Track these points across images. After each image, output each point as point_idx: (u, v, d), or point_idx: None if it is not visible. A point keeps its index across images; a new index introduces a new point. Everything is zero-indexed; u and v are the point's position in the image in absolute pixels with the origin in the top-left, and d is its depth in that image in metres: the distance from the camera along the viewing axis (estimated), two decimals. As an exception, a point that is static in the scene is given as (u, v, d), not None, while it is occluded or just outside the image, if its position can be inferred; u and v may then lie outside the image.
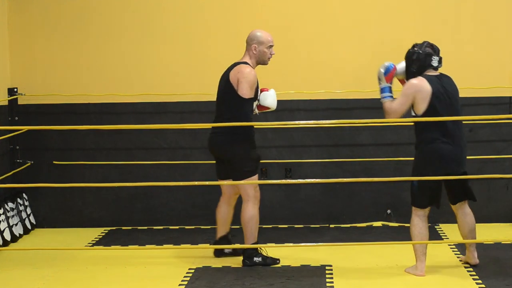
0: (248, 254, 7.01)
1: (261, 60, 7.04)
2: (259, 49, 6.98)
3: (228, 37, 8.51)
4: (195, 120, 8.51)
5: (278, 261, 7.06)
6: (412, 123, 6.75)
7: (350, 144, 8.60)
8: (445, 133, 6.53)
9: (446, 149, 6.53)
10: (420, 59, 6.64)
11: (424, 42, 6.74)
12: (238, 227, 7.54)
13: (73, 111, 8.66)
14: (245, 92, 6.88)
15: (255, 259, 6.99)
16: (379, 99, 6.68)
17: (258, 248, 7.05)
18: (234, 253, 7.33)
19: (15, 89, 8.62)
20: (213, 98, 8.35)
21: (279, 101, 7.34)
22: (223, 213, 7.33)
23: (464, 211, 6.83)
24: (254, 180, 6.93)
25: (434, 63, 6.65)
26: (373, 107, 8.44)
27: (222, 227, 7.34)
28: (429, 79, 6.57)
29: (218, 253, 7.31)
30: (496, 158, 8.46)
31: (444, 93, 6.55)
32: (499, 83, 8.40)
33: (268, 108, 7.16)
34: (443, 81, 6.62)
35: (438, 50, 6.70)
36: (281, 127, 8.52)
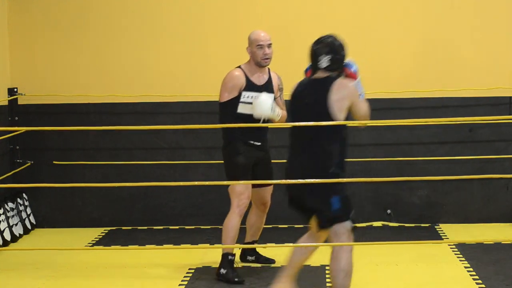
0: (220, 263, 6.70)
1: (256, 62, 6.69)
2: (251, 50, 6.71)
3: (228, 37, 8.51)
4: (195, 120, 8.51)
5: (241, 281, 6.56)
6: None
7: (350, 144, 8.50)
8: (290, 149, 5.62)
9: (287, 167, 5.61)
10: (310, 57, 5.60)
11: (324, 36, 5.62)
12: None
13: (73, 111, 8.66)
14: (221, 95, 6.68)
15: (221, 270, 6.63)
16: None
17: (231, 261, 6.66)
18: (257, 260, 7.12)
19: (15, 89, 8.62)
20: (213, 98, 8.38)
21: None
22: (250, 220, 7.06)
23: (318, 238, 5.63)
24: (237, 186, 6.60)
25: (321, 64, 5.52)
26: (373, 108, 8.42)
27: (248, 234, 7.11)
28: (300, 82, 5.67)
29: (243, 258, 7.14)
30: (496, 158, 8.45)
31: (299, 101, 5.57)
32: (499, 83, 8.40)
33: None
34: (311, 86, 5.56)
35: (335, 49, 5.54)
36: (281, 128, 8.50)
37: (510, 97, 8.48)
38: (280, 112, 6.60)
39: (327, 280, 6.62)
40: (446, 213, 8.60)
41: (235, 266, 6.72)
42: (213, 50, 8.54)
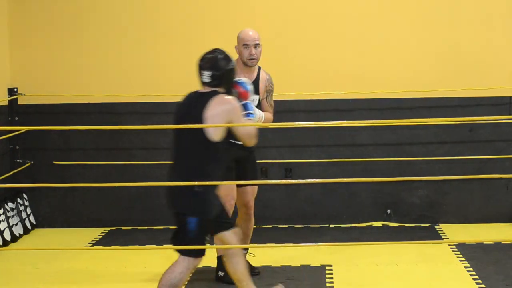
0: (216, 266, 6.66)
1: (242, 61, 6.41)
2: (238, 49, 6.48)
3: (228, 37, 8.48)
4: (195, 120, 8.50)
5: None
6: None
7: (350, 144, 8.60)
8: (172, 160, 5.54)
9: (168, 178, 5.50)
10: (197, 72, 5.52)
11: (209, 52, 5.55)
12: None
13: (73, 111, 8.66)
14: None
15: (219, 273, 6.57)
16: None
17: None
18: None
19: (15, 89, 8.62)
20: (213, 98, 8.37)
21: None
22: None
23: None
24: (221, 187, 6.13)
25: (204, 79, 5.42)
26: (373, 108, 8.45)
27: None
28: (185, 97, 5.52)
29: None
30: (496, 158, 8.45)
31: (178, 114, 5.44)
32: (499, 83, 8.40)
33: None
34: (193, 99, 5.42)
35: (216, 65, 5.41)
36: (281, 128, 8.51)
37: (510, 97, 8.48)
38: (262, 115, 6.24)
39: (327, 280, 6.62)
40: (446, 213, 8.60)
41: None
42: (213, 50, 8.53)
